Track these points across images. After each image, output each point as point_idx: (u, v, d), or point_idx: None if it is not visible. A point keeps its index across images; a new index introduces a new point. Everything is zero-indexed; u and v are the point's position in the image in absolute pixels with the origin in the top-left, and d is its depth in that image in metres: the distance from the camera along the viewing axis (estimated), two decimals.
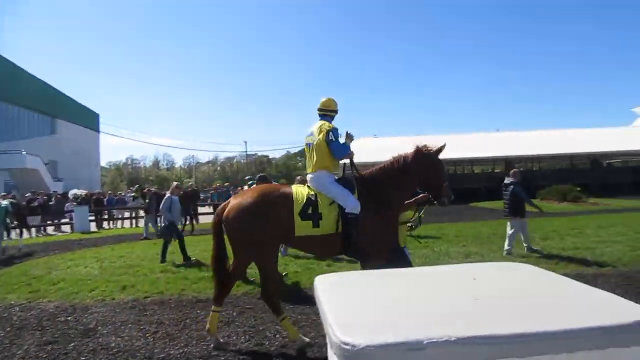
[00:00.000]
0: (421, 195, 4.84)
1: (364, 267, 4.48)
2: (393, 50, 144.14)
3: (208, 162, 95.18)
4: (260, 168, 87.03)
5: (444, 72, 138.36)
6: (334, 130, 4.53)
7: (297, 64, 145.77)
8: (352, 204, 4.32)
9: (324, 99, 4.81)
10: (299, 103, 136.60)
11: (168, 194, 9.79)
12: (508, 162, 34.75)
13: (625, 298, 4.25)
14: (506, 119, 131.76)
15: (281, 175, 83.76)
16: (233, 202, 4.49)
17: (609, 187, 27.15)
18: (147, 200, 14.57)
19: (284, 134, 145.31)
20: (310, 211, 4.31)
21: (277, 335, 4.87)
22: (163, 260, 9.15)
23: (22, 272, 8.98)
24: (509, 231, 8.81)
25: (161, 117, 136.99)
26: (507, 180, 9.16)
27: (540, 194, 23.97)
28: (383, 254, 4.46)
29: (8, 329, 5.54)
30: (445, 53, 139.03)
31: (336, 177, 4.58)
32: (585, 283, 4.63)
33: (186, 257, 9.08)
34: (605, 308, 0.98)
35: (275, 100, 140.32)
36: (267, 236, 4.31)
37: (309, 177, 4.62)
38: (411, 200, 4.85)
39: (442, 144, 4.67)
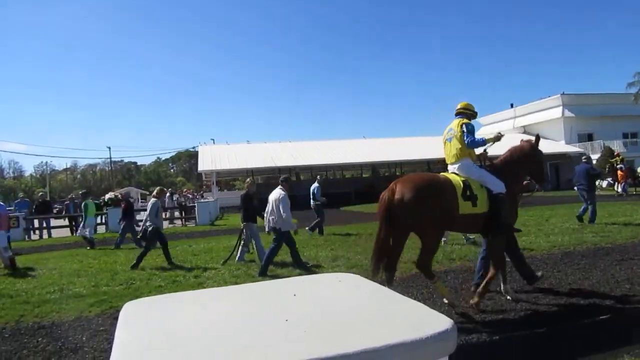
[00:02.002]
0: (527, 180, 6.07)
1: (497, 241, 5.34)
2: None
3: (66, 170, 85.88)
4: (127, 175, 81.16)
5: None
6: (468, 124, 5.33)
7: (167, 66, 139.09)
8: (500, 186, 5.17)
9: (462, 102, 5.64)
10: (170, 107, 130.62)
11: (154, 199, 9.60)
12: (374, 168, 37.16)
13: (468, 291, 4.64)
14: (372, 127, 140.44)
15: (151, 183, 79.04)
16: (404, 187, 4.95)
17: None
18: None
19: (152, 139, 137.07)
20: (468, 193, 5.03)
21: None
22: (136, 266, 8.87)
23: None
24: None
25: (8, 122, 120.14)
26: None
27: None
28: (512, 228, 5.42)
29: None
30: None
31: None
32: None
33: (171, 261, 9.18)
34: (412, 320, 0.97)
35: (143, 104, 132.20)
36: (439, 214, 4.90)
37: (454, 166, 5.35)
38: (524, 183, 6.05)
39: (537, 137, 5.83)
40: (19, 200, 20.17)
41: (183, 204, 22.74)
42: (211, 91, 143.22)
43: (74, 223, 19.08)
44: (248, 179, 9.82)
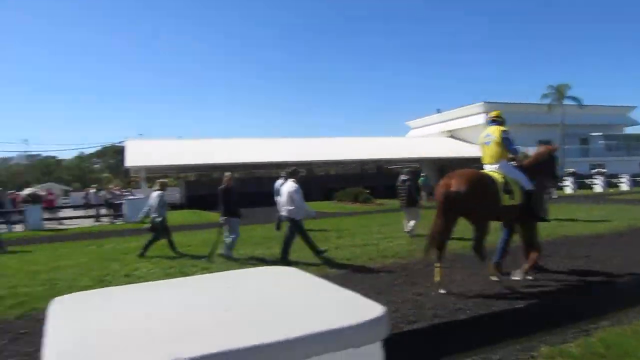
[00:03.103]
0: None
1: (529, 227, 6.61)
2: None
3: None
4: (46, 170, 75.78)
5: None
6: (507, 132, 6.43)
7: (89, 55, 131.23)
8: (529, 184, 6.30)
9: (495, 111, 6.84)
10: (95, 100, 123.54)
11: (159, 192, 9.92)
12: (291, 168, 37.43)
13: (401, 286, 4.94)
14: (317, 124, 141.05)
15: (74, 179, 74.35)
16: (460, 181, 5.93)
17: (391, 189, 31.53)
18: None
19: (74, 132, 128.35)
20: (507, 188, 6.11)
21: None
22: (144, 253, 9.38)
23: None
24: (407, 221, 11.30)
25: None
26: (403, 177, 11.61)
27: (336, 196, 26.47)
28: (540, 217, 6.73)
29: None
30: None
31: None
32: (370, 274, 5.27)
33: (176, 251, 9.71)
34: (345, 308, 1.06)
35: (65, 95, 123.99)
36: (488, 204, 5.97)
37: (494, 166, 6.37)
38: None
39: (555, 146, 7.85)
40: None
41: (110, 200, 21.67)
42: (138, 83, 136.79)
43: None
44: (227, 173, 9.67)
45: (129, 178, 45.60)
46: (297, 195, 8.26)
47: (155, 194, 9.96)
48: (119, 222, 19.91)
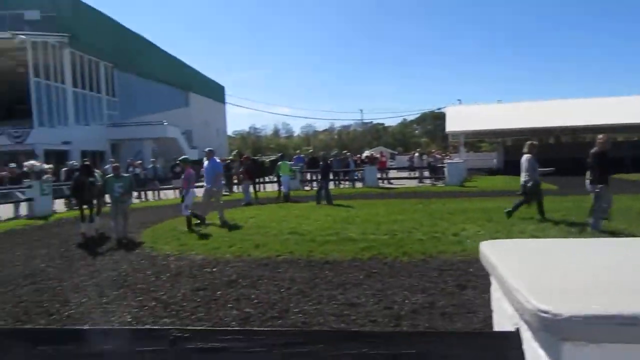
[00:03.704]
0: None
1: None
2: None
3: (325, 131, 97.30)
4: (376, 135, 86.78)
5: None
6: None
7: (416, 30, 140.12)
8: None
9: None
10: (414, 69, 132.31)
11: (528, 155, 9.50)
12: None
13: None
14: None
15: (397, 143, 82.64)
16: None
17: None
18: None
19: (400, 101, 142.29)
20: None
21: (406, 301, 4.90)
22: (511, 214, 9.36)
23: (171, 228, 10.11)
24: None
25: (282, 88, 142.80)
26: None
27: None
28: None
29: (168, 274, 6.36)
30: None
31: None
32: None
33: (544, 216, 9.34)
34: None
35: (393, 67, 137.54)
36: None
37: None
38: None
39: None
40: (296, 156, 24.17)
41: (432, 164, 23.19)
42: (459, 49, 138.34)
43: (336, 177, 22.23)
44: (601, 135, 8.61)
45: (446, 142, 47.43)
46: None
47: (525, 157, 9.55)
48: (440, 184, 21.10)
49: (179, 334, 1.00)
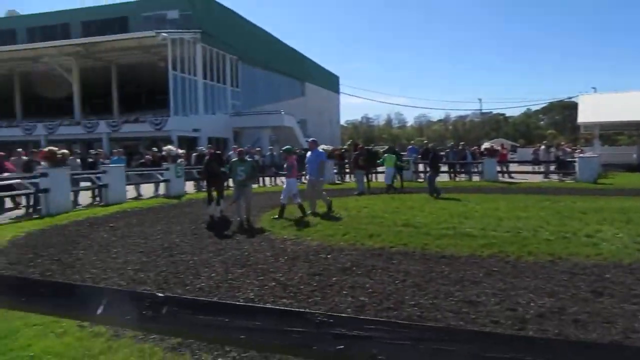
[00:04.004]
0: None
1: None
2: None
3: (439, 121, 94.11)
4: (495, 126, 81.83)
5: None
6: None
7: (546, 11, 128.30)
8: None
9: None
10: (542, 56, 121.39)
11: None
12: None
13: None
14: None
15: (519, 135, 76.98)
16: None
17: None
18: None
19: (522, 90, 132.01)
20: None
21: (532, 304, 4.55)
22: None
23: (287, 213, 10.46)
24: None
25: (396, 78, 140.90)
26: None
27: None
28: None
29: (285, 257, 6.67)
30: None
31: None
32: None
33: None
34: None
35: (513, 56, 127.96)
36: None
37: None
38: None
39: None
40: (410, 146, 23.82)
41: (561, 158, 21.17)
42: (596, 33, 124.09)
43: (452, 169, 21.34)
44: None
45: (576, 134, 43.10)
46: None
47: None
48: (569, 180, 19.25)
49: (324, 319, 1.01)
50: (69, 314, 1.26)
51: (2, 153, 14.94)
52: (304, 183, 12.55)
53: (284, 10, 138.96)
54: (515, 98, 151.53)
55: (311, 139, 12.09)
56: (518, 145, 55.02)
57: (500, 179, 20.23)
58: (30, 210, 12.25)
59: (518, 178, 20.74)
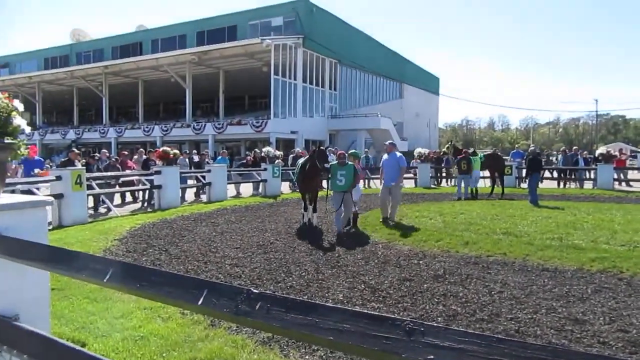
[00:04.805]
0: None
1: None
2: None
3: (548, 124, 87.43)
4: (612, 130, 74.27)
5: None
6: None
7: None
8: None
9: None
10: None
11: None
12: None
13: None
14: None
15: None
16: None
17: None
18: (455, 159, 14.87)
19: None
20: None
21: None
22: None
23: (378, 216, 10.36)
24: None
25: (500, 79, 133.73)
26: None
27: None
28: None
29: (376, 261, 6.64)
30: None
31: None
32: None
33: None
34: None
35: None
36: None
37: None
38: None
39: None
40: (514, 150, 22.48)
41: None
42: None
43: (562, 175, 19.93)
44: None
45: None
46: None
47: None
48: None
49: (415, 327, 0.99)
50: (174, 301, 1.37)
51: (125, 152, 16.74)
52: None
53: (380, 10, 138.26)
54: (637, 98, 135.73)
55: (389, 141, 10.94)
56: (639, 150, 49.35)
57: (617, 187, 18.28)
58: (145, 204, 13.57)
59: (638, 187, 18.58)
